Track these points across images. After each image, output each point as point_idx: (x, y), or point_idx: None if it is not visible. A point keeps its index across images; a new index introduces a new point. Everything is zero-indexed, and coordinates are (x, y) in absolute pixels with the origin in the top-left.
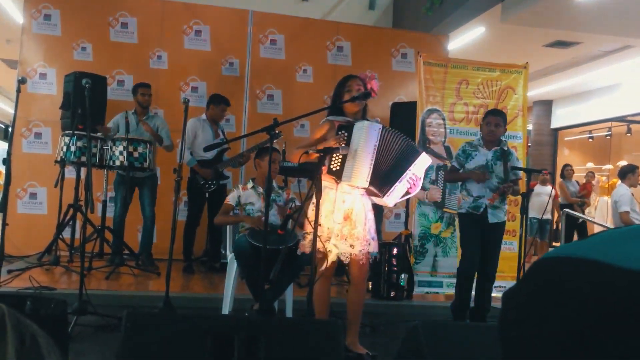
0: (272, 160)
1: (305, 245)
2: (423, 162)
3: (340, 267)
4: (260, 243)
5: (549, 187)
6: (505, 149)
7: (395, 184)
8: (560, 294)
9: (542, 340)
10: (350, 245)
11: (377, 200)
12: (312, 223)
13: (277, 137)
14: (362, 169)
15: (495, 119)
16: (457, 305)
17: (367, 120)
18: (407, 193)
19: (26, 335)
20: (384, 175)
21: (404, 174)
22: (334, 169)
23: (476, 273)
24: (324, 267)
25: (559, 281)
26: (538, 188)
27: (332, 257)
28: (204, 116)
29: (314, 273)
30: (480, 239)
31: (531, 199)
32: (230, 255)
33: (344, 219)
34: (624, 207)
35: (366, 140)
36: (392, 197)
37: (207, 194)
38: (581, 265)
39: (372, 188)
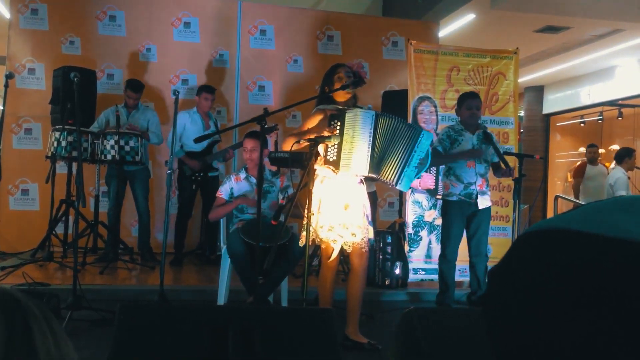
0: (250, 150)
1: (305, 237)
2: (427, 139)
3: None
4: (253, 240)
5: (602, 167)
6: (488, 131)
7: (404, 169)
8: (548, 267)
9: (530, 316)
10: (352, 234)
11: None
12: (312, 213)
13: (272, 130)
14: (359, 156)
15: (475, 102)
16: (444, 294)
17: (359, 107)
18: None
19: (17, 322)
20: (389, 162)
21: (410, 157)
22: (331, 159)
23: (469, 258)
24: (332, 258)
25: (545, 254)
26: (589, 170)
27: (337, 247)
28: (194, 109)
29: (309, 263)
30: (465, 226)
31: (583, 185)
32: (224, 247)
33: (344, 208)
34: (621, 191)
35: (360, 127)
36: (404, 183)
37: (194, 185)
38: (568, 237)
39: (380, 179)
